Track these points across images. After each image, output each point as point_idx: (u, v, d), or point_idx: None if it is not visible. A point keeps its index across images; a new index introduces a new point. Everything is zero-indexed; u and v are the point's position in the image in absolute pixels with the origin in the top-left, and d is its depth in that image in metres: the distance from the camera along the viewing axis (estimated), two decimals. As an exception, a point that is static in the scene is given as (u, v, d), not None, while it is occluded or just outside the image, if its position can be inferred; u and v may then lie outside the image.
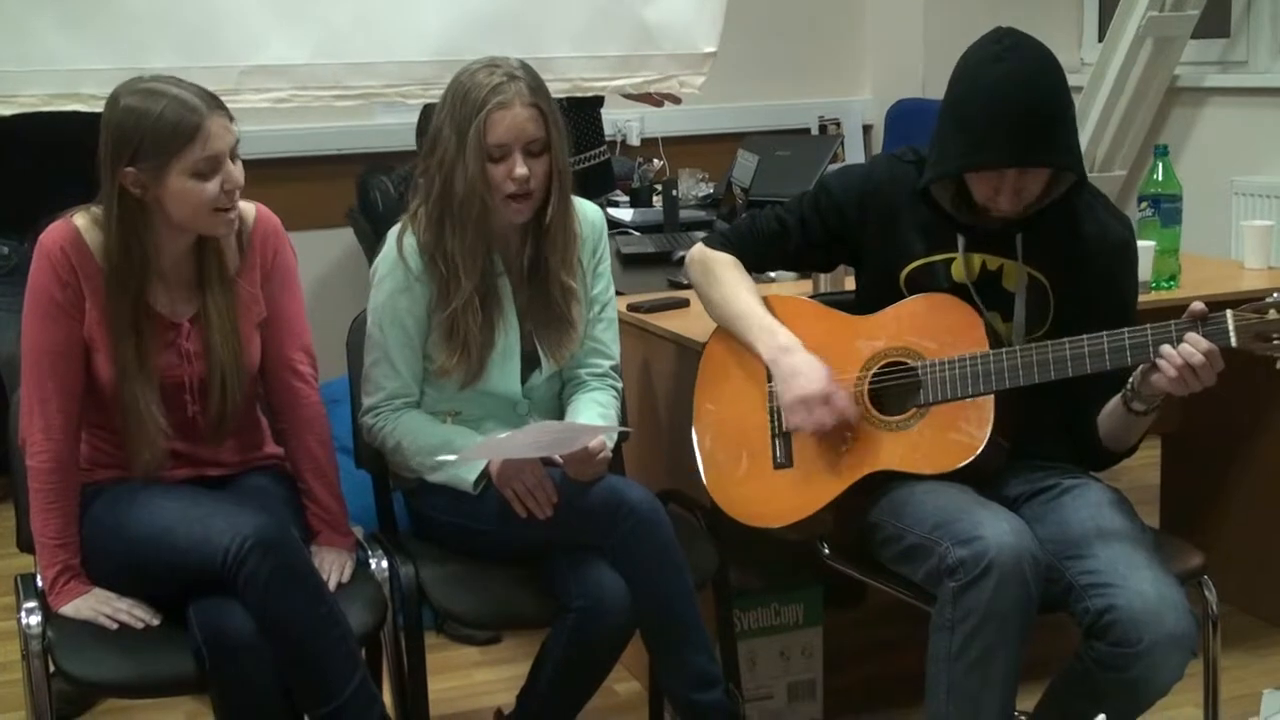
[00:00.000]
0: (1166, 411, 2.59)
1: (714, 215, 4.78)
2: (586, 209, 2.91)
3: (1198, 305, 2.43)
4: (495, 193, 2.70)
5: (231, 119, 2.55)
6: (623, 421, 2.97)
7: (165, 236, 2.57)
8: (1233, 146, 5.23)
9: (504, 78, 2.69)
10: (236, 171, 2.55)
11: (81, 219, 2.57)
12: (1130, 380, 2.52)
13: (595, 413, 2.85)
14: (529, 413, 2.87)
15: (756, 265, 2.91)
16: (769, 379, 2.78)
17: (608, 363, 2.93)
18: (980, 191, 2.60)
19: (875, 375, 2.69)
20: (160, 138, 2.47)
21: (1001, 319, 2.68)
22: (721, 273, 2.86)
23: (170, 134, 2.47)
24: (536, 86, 2.73)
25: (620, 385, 2.95)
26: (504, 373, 2.81)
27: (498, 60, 2.74)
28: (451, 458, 2.67)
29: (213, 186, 2.51)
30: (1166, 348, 2.42)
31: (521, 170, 2.69)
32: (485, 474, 2.71)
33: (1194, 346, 2.41)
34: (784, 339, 2.74)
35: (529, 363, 2.83)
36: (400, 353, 2.79)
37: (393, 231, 2.81)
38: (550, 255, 2.79)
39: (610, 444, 2.75)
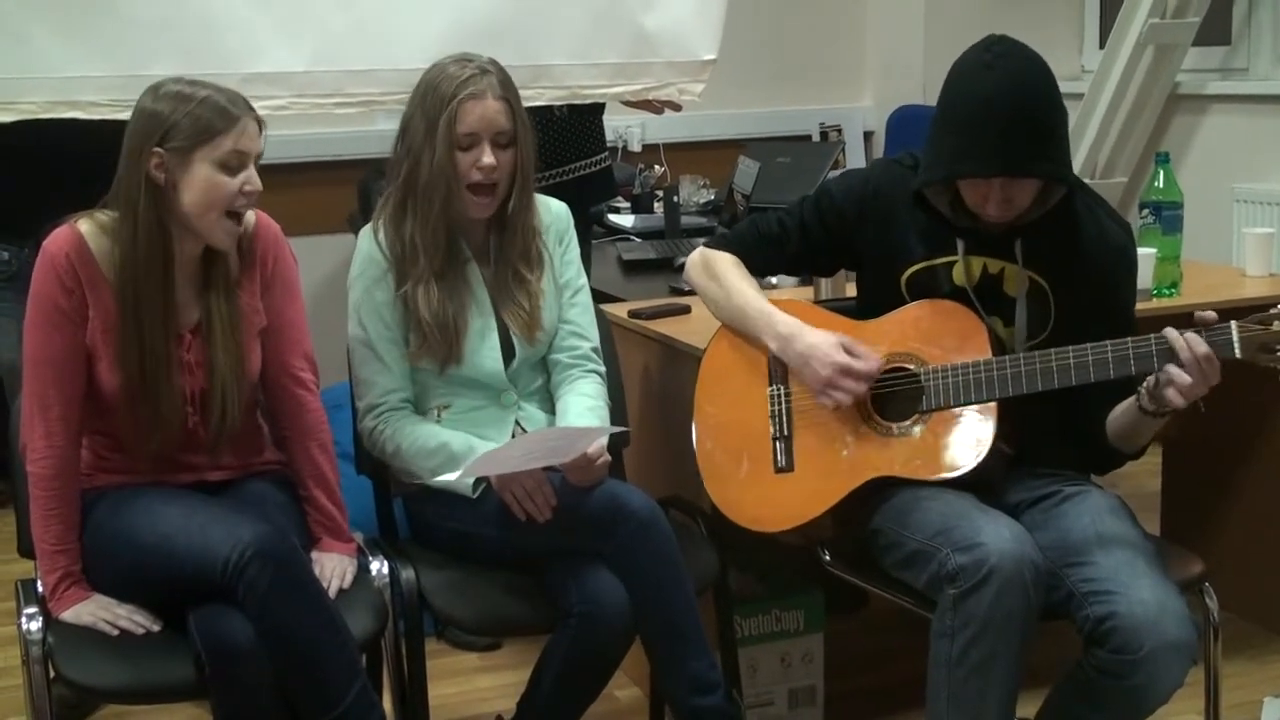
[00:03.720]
0: (1174, 416, 2.58)
1: (715, 221, 4.78)
2: (550, 203, 2.98)
3: (1208, 314, 2.44)
4: (459, 182, 2.77)
5: (262, 129, 2.58)
6: (617, 414, 2.99)
7: (178, 239, 2.57)
8: (1234, 153, 5.23)
9: (476, 71, 2.78)
10: (257, 178, 2.56)
11: (86, 224, 2.57)
12: (1146, 382, 2.51)
13: (584, 406, 2.87)
14: (517, 404, 2.88)
15: (758, 269, 2.92)
16: (770, 382, 2.78)
17: (586, 344, 2.96)
18: (970, 198, 2.61)
19: (878, 380, 2.69)
20: (198, 122, 2.50)
21: (1002, 323, 2.68)
22: (722, 271, 2.86)
23: (208, 120, 2.50)
24: (506, 82, 2.81)
25: (603, 369, 2.98)
26: (483, 354, 2.84)
27: (469, 55, 2.82)
28: (452, 477, 2.68)
29: (235, 183, 2.53)
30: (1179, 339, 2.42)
31: (489, 160, 2.77)
32: (484, 478, 2.72)
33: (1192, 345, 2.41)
34: (782, 327, 2.75)
35: (507, 347, 2.87)
36: (385, 347, 2.83)
37: (364, 230, 2.88)
38: (509, 248, 2.86)
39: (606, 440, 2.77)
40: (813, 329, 2.73)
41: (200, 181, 2.52)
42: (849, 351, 2.67)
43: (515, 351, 2.88)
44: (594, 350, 2.97)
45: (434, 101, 2.76)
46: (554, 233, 2.96)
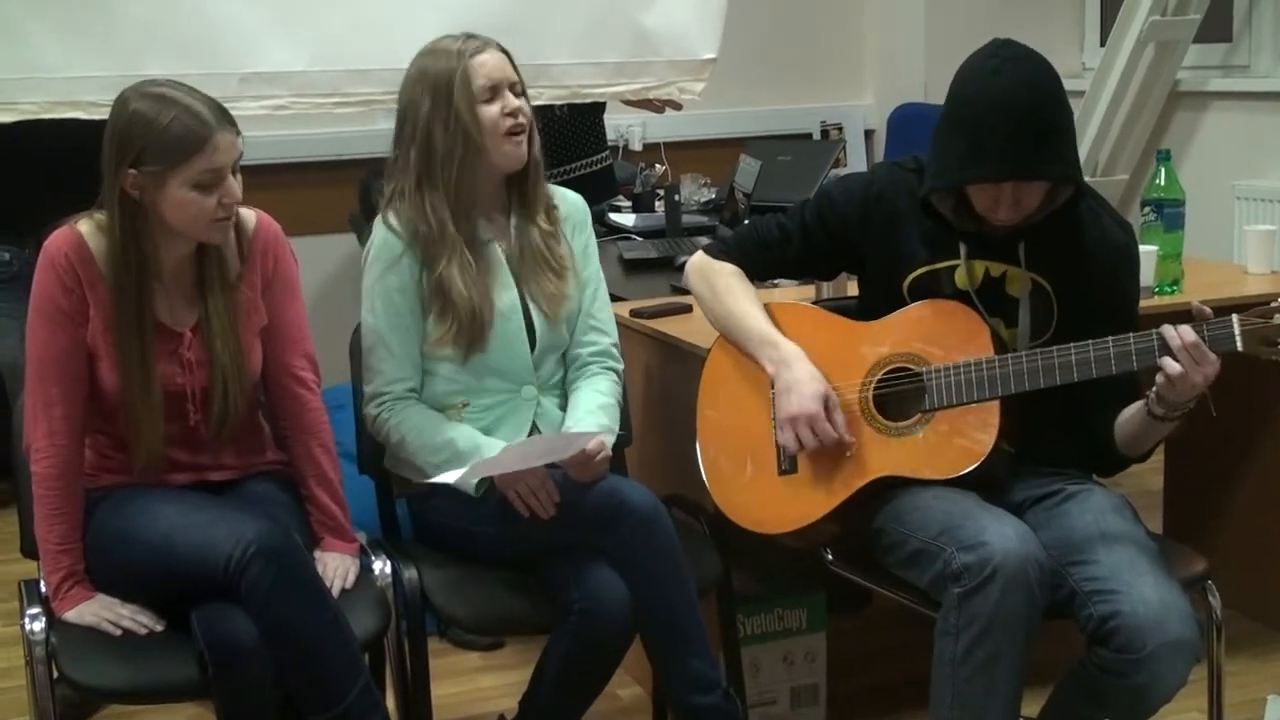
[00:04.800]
0: (1183, 420, 2.57)
1: (716, 220, 4.77)
2: (566, 194, 3.00)
3: (1204, 307, 2.44)
4: (493, 135, 2.79)
5: (238, 134, 2.56)
6: (625, 415, 2.99)
7: (165, 242, 2.57)
8: (1235, 151, 5.23)
9: (464, 37, 2.82)
10: (236, 186, 2.55)
11: (86, 225, 2.57)
12: (1156, 386, 2.51)
13: (595, 404, 2.86)
14: (536, 399, 2.88)
15: (758, 274, 2.91)
16: (772, 385, 2.78)
17: (607, 340, 2.96)
18: (980, 203, 2.60)
19: (880, 381, 2.68)
20: (166, 146, 2.47)
21: (1005, 325, 2.67)
22: (722, 283, 2.85)
23: (177, 144, 2.47)
24: (496, 43, 2.85)
25: (621, 366, 2.98)
26: (508, 337, 2.83)
27: (449, 35, 2.85)
28: (454, 476, 2.68)
29: (211, 200, 2.52)
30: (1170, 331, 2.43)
31: (516, 102, 2.81)
32: (487, 477, 2.72)
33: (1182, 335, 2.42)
34: (785, 351, 2.74)
35: (530, 332, 2.86)
36: (395, 335, 2.82)
37: (377, 219, 2.87)
38: (529, 226, 2.87)
39: (610, 441, 2.77)
40: (806, 374, 2.69)
41: (177, 201, 2.51)
42: (829, 408, 2.66)
43: (538, 337, 2.87)
44: (614, 345, 2.97)
45: (436, 73, 2.78)
46: (571, 224, 2.96)
